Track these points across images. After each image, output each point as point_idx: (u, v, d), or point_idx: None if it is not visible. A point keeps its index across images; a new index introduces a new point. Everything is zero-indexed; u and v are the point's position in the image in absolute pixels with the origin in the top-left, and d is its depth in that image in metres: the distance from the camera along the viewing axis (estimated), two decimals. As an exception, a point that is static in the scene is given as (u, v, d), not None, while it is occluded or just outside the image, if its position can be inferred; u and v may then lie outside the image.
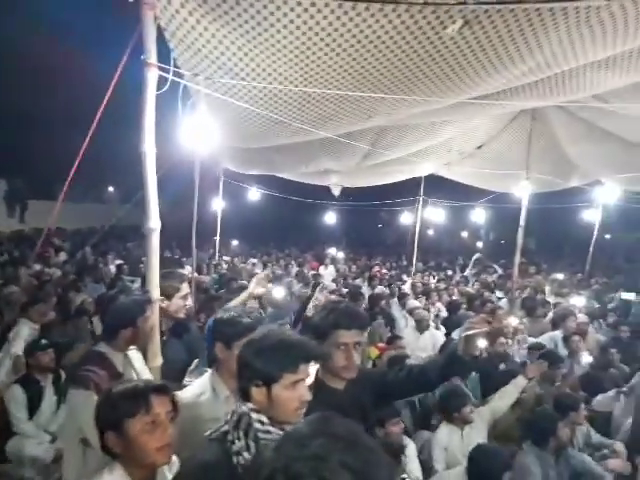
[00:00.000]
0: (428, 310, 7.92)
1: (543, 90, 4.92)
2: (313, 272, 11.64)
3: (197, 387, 2.00)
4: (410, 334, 6.79)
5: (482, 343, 1.75)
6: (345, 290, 8.98)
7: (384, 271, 13.30)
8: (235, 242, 16.01)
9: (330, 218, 14.20)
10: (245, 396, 1.51)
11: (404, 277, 12.45)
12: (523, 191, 7.36)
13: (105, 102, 2.93)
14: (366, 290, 9.98)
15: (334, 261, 14.08)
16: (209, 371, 2.06)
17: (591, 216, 11.35)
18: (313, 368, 2.07)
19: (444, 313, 8.60)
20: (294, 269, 12.25)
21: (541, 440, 3.41)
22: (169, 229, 3.36)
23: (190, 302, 4.07)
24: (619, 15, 2.90)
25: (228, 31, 2.88)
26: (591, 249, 11.06)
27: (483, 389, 4.81)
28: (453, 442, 3.69)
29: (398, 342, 5.31)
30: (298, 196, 13.38)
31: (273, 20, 2.75)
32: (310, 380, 1.85)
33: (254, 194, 12.68)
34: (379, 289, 10.05)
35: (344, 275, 11.99)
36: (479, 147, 8.42)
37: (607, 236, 20.15)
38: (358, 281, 11.55)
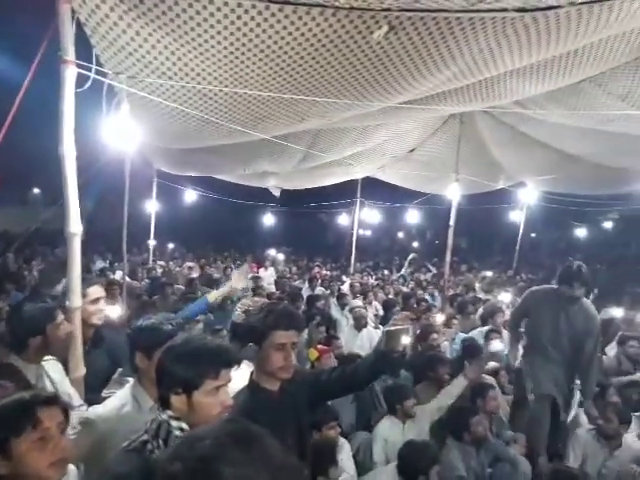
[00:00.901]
0: (365, 309, 8.06)
1: (468, 95, 5.15)
2: (252, 274, 11.54)
3: (118, 399, 1.92)
4: (348, 333, 6.88)
5: (405, 339, 1.80)
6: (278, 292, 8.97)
7: (324, 272, 13.42)
8: (171, 245, 15.57)
9: (270, 220, 14.14)
10: (165, 404, 1.47)
11: (344, 277, 12.62)
12: (453, 193, 7.65)
13: (18, 101, 2.77)
14: (306, 291, 10.01)
15: (274, 263, 14.05)
16: (131, 381, 1.99)
17: (517, 216, 12.02)
18: (247, 371, 2.05)
19: (381, 312, 8.79)
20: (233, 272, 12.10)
21: (459, 434, 3.57)
22: (99, 233, 3.22)
23: (118, 308, 3.92)
24: (532, 27, 3.08)
25: (153, 29, 2.80)
26: (517, 247, 11.70)
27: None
28: (394, 435, 3.75)
29: (335, 342, 5.36)
30: (237, 198, 13.24)
31: (199, 19, 2.70)
32: (238, 384, 1.84)
33: (191, 196, 12.42)
34: (319, 290, 10.12)
35: (284, 276, 11.97)
36: (412, 150, 8.68)
37: (532, 235, 21.39)
38: (298, 282, 11.59)
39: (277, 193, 10.68)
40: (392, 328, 1.66)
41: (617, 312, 5.95)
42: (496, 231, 19.14)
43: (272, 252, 15.44)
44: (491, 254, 18.70)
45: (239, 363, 1.55)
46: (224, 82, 3.34)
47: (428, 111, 5.72)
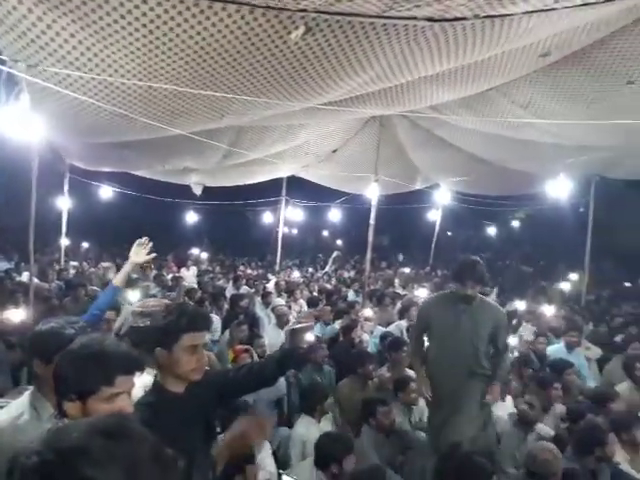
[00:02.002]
0: (290, 307, 8.11)
1: (386, 99, 5.33)
2: (174, 275, 11.20)
3: (14, 408, 1.80)
4: (272, 331, 6.88)
5: (309, 337, 1.86)
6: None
7: (249, 271, 13.31)
8: (85, 244, 14.74)
9: (192, 218, 13.78)
10: (62, 411, 1.41)
11: (269, 276, 12.60)
12: (372, 193, 7.88)
13: None
14: (231, 290, 9.89)
15: (197, 262, 13.72)
16: (29, 390, 1.87)
17: (433, 216, 12.64)
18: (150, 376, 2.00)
19: (306, 308, 8.87)
20: (152, 272, 11.66)
21: (369, 423, 3.73)
22: (3, 230, 2.97)
23: (21, 312, 3.66)
24: (441, 36, 3.25)
25: (57, 15, 2.65)
26: (433, 245, 12.29)
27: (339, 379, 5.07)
28: (312, 435, 3.81)
29: (258, 341, 5.35)
30: (157, 195, 12.77)
31: (108, 9, 2.59)
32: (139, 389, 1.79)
33: (107, 192, 11.83)
34: (244, 289, 10.02)
35: (206, 275, 11.72)
36: (334, 151, 8.84)
37: (449, 233, 22.53)
38: (222, 282, 11.41)
39: (198, 191, 10.44)
40: (296, 326, 1.70)
41: (520, 305, 6.42)
42: (415, 229, 19.96)
43: (195, 251, 15.08)
44: (410, 252, 19.45)
45: (141, 369, 1.51)
46: (138, 75, 3.23)
47: (349, 113, 5.86)
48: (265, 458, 3.31)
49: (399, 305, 7.94)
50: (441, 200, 10.26)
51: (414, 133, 8.06)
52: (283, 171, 10.70)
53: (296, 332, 1.67)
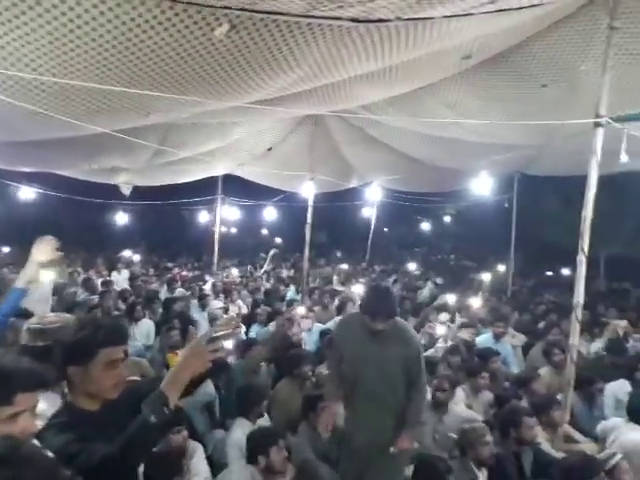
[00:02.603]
0: (227, 309, 7.98)
1: (317, 98, 5.35)
2: (104, 279, 10.71)
3: None
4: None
5: (228, 344, 1.83)
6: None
7: (184, 272, 12.97)
8: (6, 249, 13.78)
9: (123, 218, 13.22)
10: (-41, 433, 1.29)
11: (207, 277, 12.34)
12: (308, 191, 7.91)
13: None
14: (165, 293, 9.59)
15: (129, 265, 13.19)
16: None
17: (370, 212, 12.91)
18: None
19: (245, 309, 8.77)
20: (81, 276, 11.10)
21: (308, 421, 3.79)
22: None
23: None
24: (367, 37, 3.30)
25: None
26: (369, 241, 12.54)
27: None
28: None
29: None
30: (84, 195, 12.14)
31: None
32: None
33: (28, 193, 11.11)
34: (179, 291, 9.76)
35: (139, 278, 11.29)
36: (269, 149, 8.78)
37: (385, 229, 23.08)
38: (156, 285, 11.04)
39: (127, 191, 10.03)
40: (213, 334, 1.66)
41: (450, 298, 6.67)
42: (353, 226, 20.28)
43: (127, 253, 14.49)
44: (348, 248, 19.74)
45: (45, 386, 1.42)
46: (51, 71, 3.04)
47: (281, 112, 5.84)
48: (198, 463, 3.25)
49: (336, 302, 8.02)
50: (373, 197, 10.47)
51: (347, 132, 8.16)
52: (218, 169, 10.50)
53: (214, 340, 1.63)
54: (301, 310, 6.39)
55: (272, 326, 6.42)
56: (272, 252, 12.10)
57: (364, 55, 3.66)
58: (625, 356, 5.18)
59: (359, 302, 3.68)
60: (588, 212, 3.86)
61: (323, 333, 5.99)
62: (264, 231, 21.75)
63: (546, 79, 4.87)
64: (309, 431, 3.76)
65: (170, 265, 14.83)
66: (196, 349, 1.63)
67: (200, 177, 10.89)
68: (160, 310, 7.48)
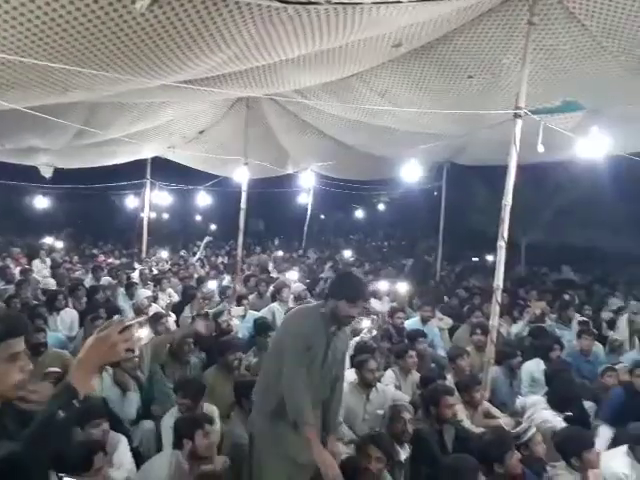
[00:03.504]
0: (156, 298, 7.73)
1: (248, 80, 5.24)
2: (23, 267, 10.03)
3: None
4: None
5: (143, 333, 1.75)
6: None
7: (111, 260, 12.42)
8: None
9: (42, 203, 12.39)
10: None
11: (135, 265, 11.88)
12: (242, 176, 7.78)
13: None
14: (90, 282, 9.14)
15: (51, 253, 12.43)
16: None
17: (306, 199, 12.93)
18: None
19: (176, 298, 8.53)
20: (-5, 265, 10.33)
21: (241, 404, 3.79)
22: None
23: None
24: (296, 19, 3.25)
25: None
26: (305, 228, 12.58)
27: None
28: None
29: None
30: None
31: None
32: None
33: None
34: (105, 280, 9.33)
35: (62, 266, 10.67)
36: (201, 132, 8.53)
37: (322, 216, 23.25)
38: (81, 273, 10.50)
39: (48, 174, 9.40)
40: (126, 323, 1.58)
41: (383, 285, 6.84)
42: (291, 213, 20.27)
43: (49, 240, 13.63)
44: (286, 235, 19.72)
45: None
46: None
47: (212, 93, 5.67)
48: (121, 455, 3.14)
49: (271, 288, 7.99)
50: (306, 184, 10.48)
51: (282, 117, 8.07)
52: (147, 152, 10.08)
53: (127, 329, 1.55)
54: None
55: (187, 310, 6.34)
56: (206, 239, 11.83)
57: (294, 38, 3.60)
58: (544, 337, 5.55)
59: (325, 288, 3.25)
60: (508, 200, 4.06)
61: (257, 320, 5.95)
62: (198, 217, 21.21)
63: (472, 70, 5.03)
64: (242, 417, 3.74)
65: (96, 252, 14.14)
66: (103, 338, 1.54)
67: (127, 160, 10.41)
68: (85, 299, 7.13)
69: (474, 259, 14.24)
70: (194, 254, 13.36)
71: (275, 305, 6.80)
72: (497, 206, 4.20)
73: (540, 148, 4.13)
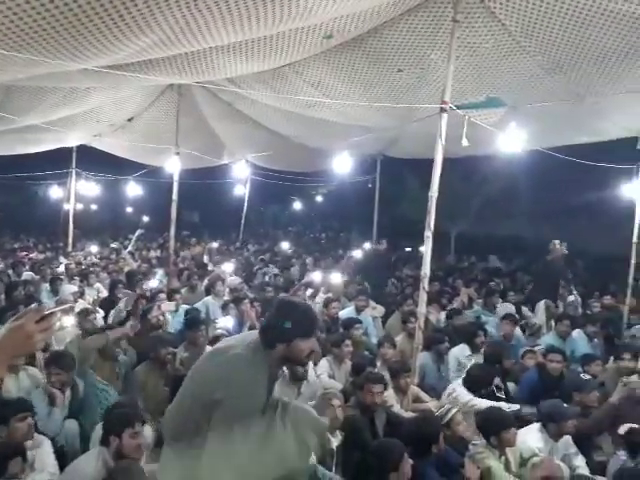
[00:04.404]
0: (82, 293, 7.37)
1: (177, 67, 5.08)
2: None
3: None
4: (62, 321, 6.19)
5: (67, 321, 1.66)
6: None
7: (34, 254, 11.70)
8: None
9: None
10: None
11: (61, 259, 11.26)
12: (173, 166, 7.55)
13: None
14: (12, 277, 8.58)
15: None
16: None
17: (243, 191, 12.77)
18: None
19: (104, 293, 8.18)
20: None
21: None
22: None
23: None
24: (222, 3, 3.17)
25: None
26: (243, 220, 12.46)
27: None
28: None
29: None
30: None
31: None
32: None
33: None
34: (27, 275, 8.79)
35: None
36: (130, 119, 8.18)
37: (261, 208, 23.06)
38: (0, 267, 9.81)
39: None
40: (47, 311, 1.48)
41: (316, 276, 6.91)
42: (228, 205, 19.92)
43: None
44: (223, 227, 19.39)
45: None
46: None
47: (138, 79, 5.43)
48: (44, 457, 2.99)
49: (205, 282, 7.83)
50: (241, 174, 10.33)
51: (215, 105, 7.89)
52: (71, 140, 9.54)
53: (45, 319, 1.44)
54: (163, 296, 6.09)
55: (122, 303, 6.12)
56: (138, 232, 11.39)
57: (222, 25, 3.52)
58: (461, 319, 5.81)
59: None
60: (434, 192, 4.19)
61: (187, 313, 5.83)
62: (129, 209, 20.35)
63: (401, 64, 5.14)
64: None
65: (16, 246, 13.27)
66: (17, 327, 1.42)
67: (51, 148, 9.82)
68: (3, 295, 6.70)
69: (407, 249, 14.65)
70: (125, 247, 12.85)
71: (209, 299, 6.68)
72: (428, 198, 4.33)
73: (464, 142, 4.29)
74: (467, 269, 12.15)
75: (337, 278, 6.82)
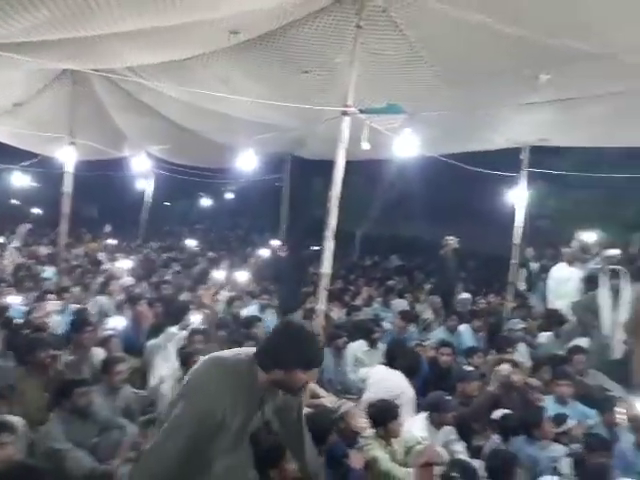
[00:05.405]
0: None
1: (73, 51, 4.78)
2: None
3: None
4: None
5: None
6: None
7: None
8: None
9: None
10: None
11: None
12: (67, 156, 7.06)
13: None
14: None
15: None
16: None
17: (147, 186, 12.22)
18: None
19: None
20: None
21: (62, 405, 3.47)
22: None
23: None
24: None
25: None
26: (146, 216, 11.97)
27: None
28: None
29: None
30: None
31: None
32: None
33: None
34: None
35: None
36: (17, 104, 7.48)
37: (168, 203, 22.15)
38: None
39: None
40: None
41: (219, 275, 6.82)
42: (130, 199, 18.90)
43: None
44: (125, 222, 18.36)
45: None
46: None
47: (27, 62, 5.00)
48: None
49: (101, 279, 7.41)
50: (140, 168, 9.88)
51: (115, 95, 7.46)
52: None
53: None
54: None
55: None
56: (22, 226, 10.44)
57: (117, 8, 3.36)
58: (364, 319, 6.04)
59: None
60: (335, 192, 4.31)
61: (75, 314, 5.44)
62: (14, 201, 18.56)
63: (308, 66, 5.20)
64: (63, 418, 3.44)
65: None
66: None
67: None
68: None
69: (314, 248, 14.82)
70: (9, 243, 11.72)
71: (102, 298, 6.34)
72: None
73: (365, 146, 4.44)
74: (370, 268, 12.58)
75: (242, 276, 6.76)
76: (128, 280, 7.26)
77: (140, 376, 4.68)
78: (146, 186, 12.10)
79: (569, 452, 3.44)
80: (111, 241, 11.18)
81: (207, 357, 2.16)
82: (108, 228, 12.47)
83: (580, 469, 3.19)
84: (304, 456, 2.38)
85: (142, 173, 10.99)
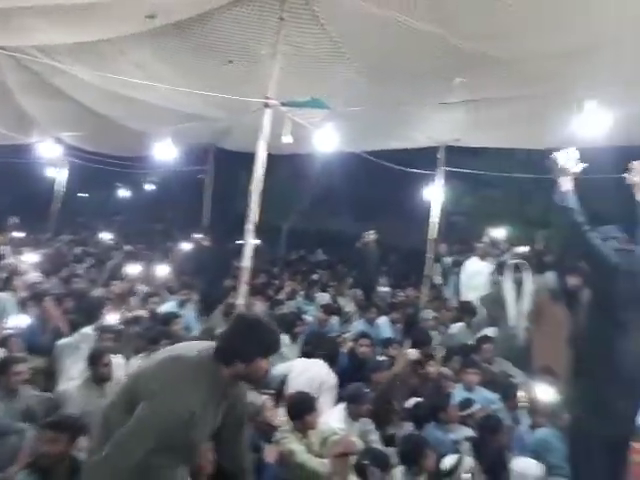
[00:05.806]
0: None
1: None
2: None
3: None
4: None
5: None
6: None
7: None
8: None
9: None
10: None
11: None
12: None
13: None
14: None
15: None
16: None
17: (59, 175, 11.44)
18: None
19: None
20: None
21: None
22: None
23: None
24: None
25: None
26: (57, 207, 11.23)
27: None
28: None
29: None
30: None
31: None
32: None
33: None
34: None
35: None
36: None
37: (86, 195, 20.93)
38: None
39: None
40: None
41: (134, 269, 6.55)
42: (41, 189, 17.60)
43: None
44: (34, 214, 17.07)
45: None
46: None
47: None
48: None
49: (3, 275, 6.83)
50: (49, 155, 9.23)
51: (21, 76, 6.89)
52: None
53: None
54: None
55: None
56: None
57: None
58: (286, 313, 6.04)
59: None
60: (255, 186, 4.28)
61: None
62: None
63: (231, 55, 5.08)
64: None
65: None
66: None
67: None
68: None
69: (238, 242, 14.60)
70: None
71: (3, 295, 5.85)
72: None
73: (286, 139, 4.43)
74: (295, 262, 12.60)
75: (161, 271, 6.52)
76: (34, 276, 6.75)
77: (45, 377, 4.38)
78: (57, 175, 11.32)
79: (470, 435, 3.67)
80: (17, 234, 10.35)
81: (165, 356, 2.14)
82: (14, 220, 11.52)
83: (477, 449, 3.42)
84: (243, 448, 2.39)
85: (52, 161, 10.26)
